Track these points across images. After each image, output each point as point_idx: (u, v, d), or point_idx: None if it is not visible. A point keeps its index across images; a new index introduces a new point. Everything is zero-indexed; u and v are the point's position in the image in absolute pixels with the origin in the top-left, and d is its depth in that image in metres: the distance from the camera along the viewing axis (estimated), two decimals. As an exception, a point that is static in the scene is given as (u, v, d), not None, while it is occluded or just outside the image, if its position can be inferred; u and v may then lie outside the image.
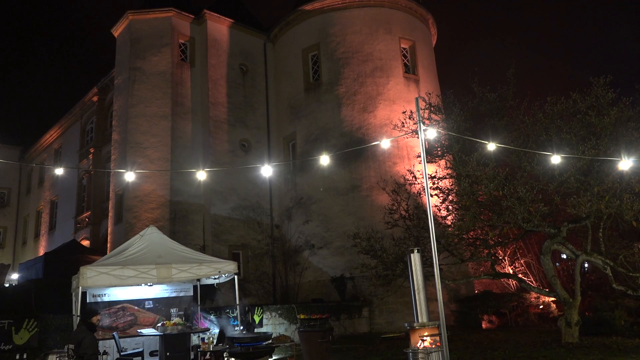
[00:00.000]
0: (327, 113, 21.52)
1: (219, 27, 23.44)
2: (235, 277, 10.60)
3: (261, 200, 22.43)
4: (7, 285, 20.82)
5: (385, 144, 8.73)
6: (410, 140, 19.37)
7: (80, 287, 9.40)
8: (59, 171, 9.30)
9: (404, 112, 15.00)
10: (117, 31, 23.61)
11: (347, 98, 21.34)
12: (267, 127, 23.75)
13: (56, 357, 6.73)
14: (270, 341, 8.17)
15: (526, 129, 12.58)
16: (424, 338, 6.81)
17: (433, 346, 6.77)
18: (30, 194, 34.77)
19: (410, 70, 22.55)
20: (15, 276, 23.63)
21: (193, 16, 23.19)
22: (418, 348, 6.78)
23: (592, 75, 11.98)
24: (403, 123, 14.45)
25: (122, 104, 22.31)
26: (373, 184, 19.66)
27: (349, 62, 21.75)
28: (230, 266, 10.56)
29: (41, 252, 29.23)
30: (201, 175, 8.07)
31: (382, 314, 18.07)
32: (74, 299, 10.25)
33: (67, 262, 18.02)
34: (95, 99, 27.49)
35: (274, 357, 8.98)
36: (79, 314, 9.28)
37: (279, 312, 14.91)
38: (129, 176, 8.01)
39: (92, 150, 26.85)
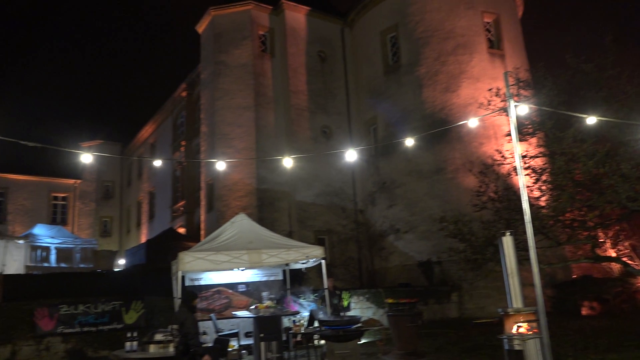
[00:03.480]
0: (408, 95, 21.09)
1: (297, 15, 23.69)
2: (323, 261, 10.79)
3: (344, 185, 22.58)
4: (115, 269, 22.77)
5: (472, 123, 8.39)
6: (497, 119, 18.44)
7: (179, 272, 10.06)
8: (157, 163, 9.99)
9: (489, 90, 14.30)
10: (200, 28, 24.64)
11: (428, 79, 20.76)
12: (348, 113, 23.77)
13: (162, 336, 7.24)
14: (359, 325, 8.25)
15: (629, 100, 11.52)
16: (520, 324, 6.53)
17: (530, 332, 6.47)
18: (130, 186, 37.57)
19: (494, 45, 21.45)
20: (122, 261, 25.73)
21: (271, 7, 23.61)
22: (514, 334, 6.52)
23: None
24: (489, 101, 13.80)
25: (208, 97, 23.35)
26: (458, 166, 19.06)
27: (428, 41, 21.10)
28: (318, 251, 10.76)
29: (143, 239, 31.56)
30: (287, 162, 8.24)
31: (472, 299, 17.58)
32: (174, 283, 10.98)
33: (165, 248, 19.35)
34: (184, 94, 28.99)
35: (363, 341, 9.07)
36: (179, 296, 9.94)
37: (366, 296, 14.99)
38: (220, 165, 8.38)
39: (183, 143, 28.41)
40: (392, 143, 18.65)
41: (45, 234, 23.23)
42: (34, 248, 21.82)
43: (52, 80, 78.31)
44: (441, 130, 17.23)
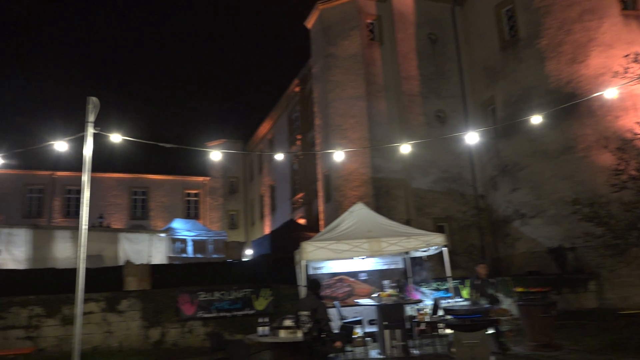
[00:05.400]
0: (529, 70, 19.66)
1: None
2: (445, 249, 10.55)
3: (462, 170, 21.79)
4: (244, 259, 24.33)
5: (610, 93, 7.62)
6: (636, 88, 16.55)
7: (303, 261, 10.49)
8: (279, 157, 10.48)
9: (626, 56, 12.87)
10: (309, 23, 25.21)
11: (551, 50, 19.14)
12: (462, 95, 22.84)
13: (291, 322, 7.61)
14: (487, 314, 7.94)
15: None
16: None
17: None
18: (253, 181, 39.84)
19: (629, 5, 19.11)
20: (249, 252, 27.42)
21: (378, -6, 23.41)
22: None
23: None
24: (626, 69, 12.42)
25: (320, 90, 23.86)
26: (591, 143, 17.40)
27: (550, 10, 19.41)
28: (438, 238, 10.56)
29: (266, 230, 33.34)
30: (405, 148, 8.16)
31: (613, 288, 16.01)
32: (297, 271, 11.47)
33: (288, 238, 20.25)
34: (297, 89, 29.95)
35: (491, 331, 8.71)
36: (304, 284, 10.36)
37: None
38: (338, 156, 8.55)
39: (299, 136, 29.40)
40: (513, 123, 17.54)
41: (182, 228, 25.53)
42: (174, 240, 24.08)
43: (177, 86, 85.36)
44: (570, 105, 15.84)
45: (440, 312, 9.77)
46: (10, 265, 18.21)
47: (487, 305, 8.72)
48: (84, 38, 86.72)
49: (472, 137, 7.71)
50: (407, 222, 18.96)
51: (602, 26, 18.56)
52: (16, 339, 11.47)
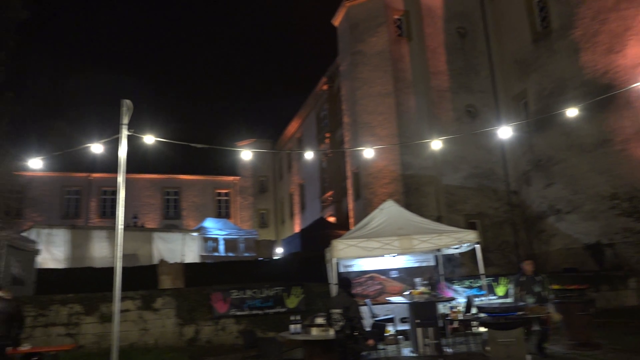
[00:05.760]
0: (562, 62, 19.15)
1: (432, -6, 22.93)
2: (477, 246, 10.39)
3: (494, 166, 21.41)
4: (274, 258, 24.52)
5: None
6: (677, 77, 15.93)
7: (334, 259, 10.49)
8: (309, 155, 10.51)
9: (666, 44, 12.38)
10: (336, 21, 25.17)
11: (586, 41, 18.58)
12: (493, 89, 22.42)
13: (322, 320, 7.63)
14: (523, 312, 7.78)
15: None
16: None
17: None
18: (282, 180, 40.08)
19: (669, -9, 18.38)
20: (279, 250, 27.61)
21: (405, -11, 23.19)
22: None
23: None
24: (666, 57, 11.94)
25: (348, 88, 23.80)
26: (630, 136, 16.81)
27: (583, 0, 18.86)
28: (471, 235, 10.40)
29: (296, 229, 33.50)
30: (436, 144, 8.05)
31: (655, 286, 15.46)
32: (328, 269, 11.48)
33: (318, 237, 20.32)
34: (325, 87, 29.96)
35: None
36: (335, 282, 10.36)
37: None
38: (368, 153, 8.49)
39: (327, 135, 29.42)
40: (547, 116, 17.11)
41: (214, 227, 25.92)
42: (206, 239, 24.46)
43: (207, 87, 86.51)
44: (607, 96, 15.34)
45: (474, 310, 9.62)
46: (50, 264, 18.85)
47: (522, 303, 8.53)
48: (116, 41, 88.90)
49: (505, 132, 7.53)
50: (438, 219, 18.73)
51: (639, 14, 17.91)
52: (57, 335, 11.85)
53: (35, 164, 7.30)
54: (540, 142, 19.69)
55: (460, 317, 9.83)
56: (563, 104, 16.04)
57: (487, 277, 12.14)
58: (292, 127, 37.38)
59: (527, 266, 9.12)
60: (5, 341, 7.17)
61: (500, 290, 13.27)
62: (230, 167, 39.66)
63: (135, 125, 6.85)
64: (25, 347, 8.12)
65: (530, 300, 8.74)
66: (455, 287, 12.84)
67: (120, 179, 6.47)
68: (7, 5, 20.32)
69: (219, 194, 40.12)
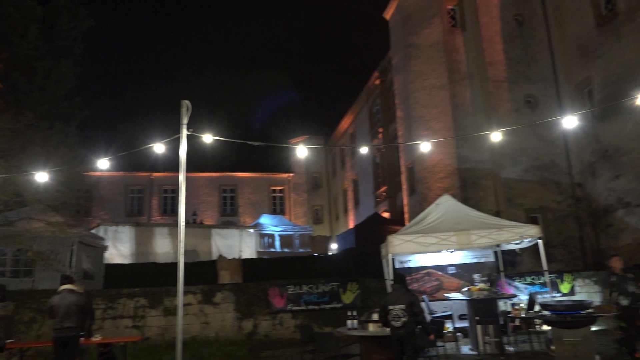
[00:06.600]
0: (630, 46, 18.02)
1: (487, -19, 22.19)
2: (540, 241, 10.01)
3: (556, 158, 20.50)
4: (329, 253, 24.65)
5: None
6: None
7: (389, 254, 10.41)
8: (364, 150, 10.51)
9: None
10: (388, 14, 24.87)
11: (657, 23, 17.42)
12: (554, 77, 21.43)
13: (377, 316, 7.59)
14: (590, 310, 7.42)
15: None
16: None
17: None
18: (336, 176, 40.17)
19: None
20: (334, 246, 27.72)
21: (459, -22, 22.57)
22: None
23: None
24: None
25: (401, 81, 23.49)
26: None
27: (654, -22, 17.67)
28: (532, 230, 10.04)
29: (351, 225, 33.48)
30: (495, 137, 7.76)
31: None
32: (384, 265, 11.41)
33: (372, 232, 20.22)
34: (377, 82, 29.71)
35: (594, 328, 8.13)
36: (391, 278, 10.29)
37: (594, 279, 13.39)
38: (425, 147, 8.30)
39: (380, 129, 29.18)
40: (615, 104, 16.18)
41: (269, 223, 26.38)
42: (262, 236, 24.95)
43: (261, 85, 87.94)
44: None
45: (537, 308, 9.28)
46: (117, 260, 19.86)
47: (589, 300, 8.13)
48: (173, 44, 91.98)
49: (569, 121, 7.12)
50: (497, 214, 18.17)
51: None
52: (125, 327, 12.46)
53: (103, 164, 7.66)
54: (606, 131, 18.66)
55: (523, 314, 9.52)
56: (632, 90, 15.11)
57: (550, 273, 11.69)
58: (345, 123, 37.35)
59: (616, 263, 8.08)
60: (80, 332, 7.61)
61: (564, 287, 12.74)
62: (284, 164, 40.18)
63: (193, 125, 7.05)
64: (96, 338, 8.59)
65: (625, 302, 7.74)
66: (516, 283, 12.44)
67: (182, 177, 6.69)
68: (74, 16, 21.52)
69: (274, 191, 40.73)
